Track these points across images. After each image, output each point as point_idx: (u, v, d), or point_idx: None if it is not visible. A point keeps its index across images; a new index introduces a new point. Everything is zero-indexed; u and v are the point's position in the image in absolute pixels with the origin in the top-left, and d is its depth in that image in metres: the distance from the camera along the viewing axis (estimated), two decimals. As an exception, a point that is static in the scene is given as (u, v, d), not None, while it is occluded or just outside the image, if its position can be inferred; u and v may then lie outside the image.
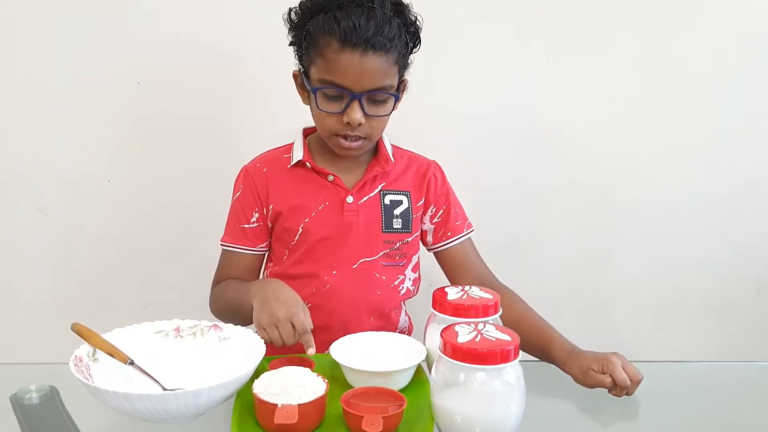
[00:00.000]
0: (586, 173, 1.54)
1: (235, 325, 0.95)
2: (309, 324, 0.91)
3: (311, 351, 0.88)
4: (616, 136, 1.53)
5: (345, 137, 1.03)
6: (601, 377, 0.88)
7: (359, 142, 1.04)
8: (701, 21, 1.48)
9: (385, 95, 1.01)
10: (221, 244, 1.15)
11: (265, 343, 0.88)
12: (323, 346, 1.09)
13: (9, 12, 1.41)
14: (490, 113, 1.51)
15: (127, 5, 1.42)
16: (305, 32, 1.00)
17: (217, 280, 1.16)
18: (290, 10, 1.03)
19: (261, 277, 1.19)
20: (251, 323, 0.96)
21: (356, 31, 0.94)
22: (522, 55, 1.48)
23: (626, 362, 0.90)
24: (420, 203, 1.15)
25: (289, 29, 1.04)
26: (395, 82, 1.02)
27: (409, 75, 1.07)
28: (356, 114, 0.99)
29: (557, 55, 1.49)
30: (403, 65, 1.03)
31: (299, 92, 1.08)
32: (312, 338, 0.89)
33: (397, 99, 1.03)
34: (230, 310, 1.07)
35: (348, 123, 1.00)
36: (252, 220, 1.13)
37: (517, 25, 1.47)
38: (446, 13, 1.44)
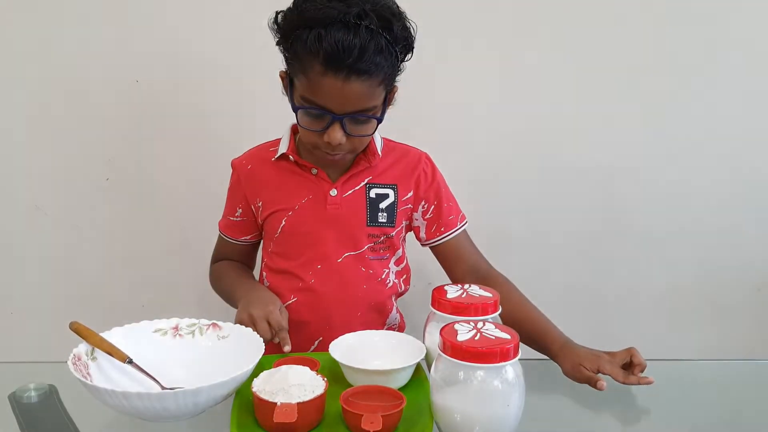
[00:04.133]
0: (586, 172, 1.54)
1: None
2: (284, 323, 0.97)
3: (287, 348, 0.92)
4: (617, 136, 1.53)
5: (326, 152, 1.02)
6: (590, 374, 0.90)
7: (341, 155, 1.03)
8: (701, 21, 1.48)
9: (367, 117, 0.99)
10: (218, 227, 1.21)
11: (264, 342, 0.88)
12: (310, 341, 1.11)
13: (8, 11, 1.41)
14: (491, 111, 1.51)
15: (127, 4, 1.42)
16: (290, 42, 0.96)
17: (215, 258, 1.24)
18: (277, 14, 1.00)
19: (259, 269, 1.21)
20: None
21: (339, 55, 0.90)
22: (523, 53, 1.48)
23: (615, 360, 0.92)
24: (407, 197, 1.13)
25: (275, 32, 1.01)
26: (380, 102, 0.99)
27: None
28: (337, 134, 0.97)
29: (558, 54, 1.48)
30: (390, 81, 0.99)
31: (286, 93, 1.05)
32: (287, 336, 0.94)
33: (380, 120, 1.01)
34: (225, 296, 1.17)
35: (329, 142, 0.98)
36: (236, 214, 1.17)
37: (518, 23, 1.47)
38: (447, 11, 1.43)
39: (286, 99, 1.06)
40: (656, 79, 1.50)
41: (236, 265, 1.20)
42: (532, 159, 1.54)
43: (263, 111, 1.44)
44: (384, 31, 0.93)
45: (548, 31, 1.47)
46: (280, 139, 1.14)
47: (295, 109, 1.00)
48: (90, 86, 1.45)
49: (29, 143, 1.48)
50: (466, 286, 0.90)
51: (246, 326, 0.93)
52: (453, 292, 0.88)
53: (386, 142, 1.15)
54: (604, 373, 0.90)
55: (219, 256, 1.23)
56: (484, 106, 1.51)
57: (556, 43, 1.48)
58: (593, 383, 0.89)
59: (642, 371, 0.91)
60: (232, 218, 1.17)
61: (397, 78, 1.02)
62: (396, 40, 0.95)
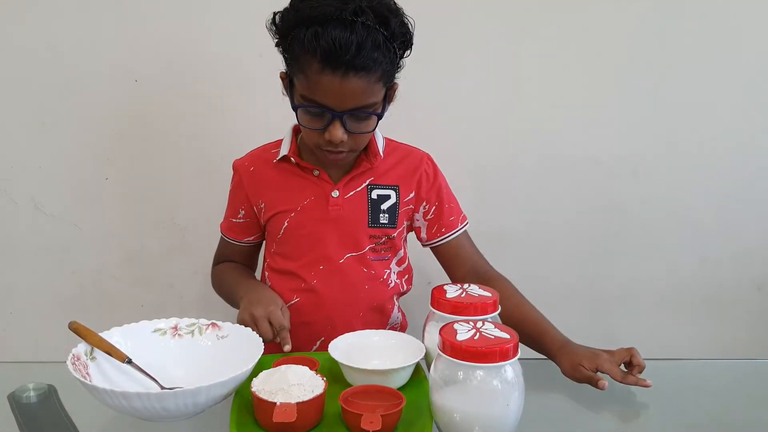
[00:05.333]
0: (586, 172, 1.54)
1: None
2: (286, 322, 0.97)
3: (287, 348, 0.93)
4: (618, 135, 1.53)
5: (329, 151, 1.02)
6: (590, 374, 0.89)
7: (344, 154, 1.03)
8: (701, 20, 1.47)
9: (367, 113, 0.99)
10: (220, 229, 1.21)
11: (265, 341, 0.89)
12: (312, 341, 1.11)
13: (8, 11, 1.41)
14: (491, 110, 1.51)
15: (126, 4, 1.42)
16: (288, 42, 0.96)
17: (217, 260, 1.24)
18: (274, 15, 1.00)
19: (262, 265, 1.21)
20: None
21: (336, 52, 0.90)
22: (523, 52, 1.48)
23: (614, 358, 0.92)
24: (408, 198, 1.13)
25: (274, 33, 1.01)
26: (380, 98, 0.99)
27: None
28: (338, 132, 0.97)
29: (558, 52, 1.48)
30: (389, 78, 0.99)
31: (286, 93, 1.05)
32: (288, 335, 0.94)
33: (380, 117, 1.01)
34: (226, 297, 1.18)
35: (330, 141, 0.99)
36: (239, 216, 1.16)
37: (518, 21, 1.47)
38: (447, 9, 1.43)
39: (286, 100, 1.06)
40: (656, 78, 1.50)
41: (237, 266, 1.21)
42: (531, 159, 1.54)
43: (263, 111, 1.44)
44: (381, 27, 0.93)
45: (549, 30, 1.47)
46: (282, 140, 1.14)
47: (295, 108, 1.00)
48: (89, 85, 1.45)
49: (29, 142, 1.48)
50: (466, 285, 0.90)
51: (247, 326, 0.93)
52: (452, 291, 0.88)
53: (388, 142, 1.15)
54: (602, 371, 0.90)
55: (221, 259, 1.23)
56: (484, 107, 1.50)
57: (557, 42, 1.48)
58: (594, 383, 0.88)
59: (641, 372, 0.90)
60: (234, 220, 1.17)
61: (398, 75, 1.02)
62: (393, 36, 0.95)
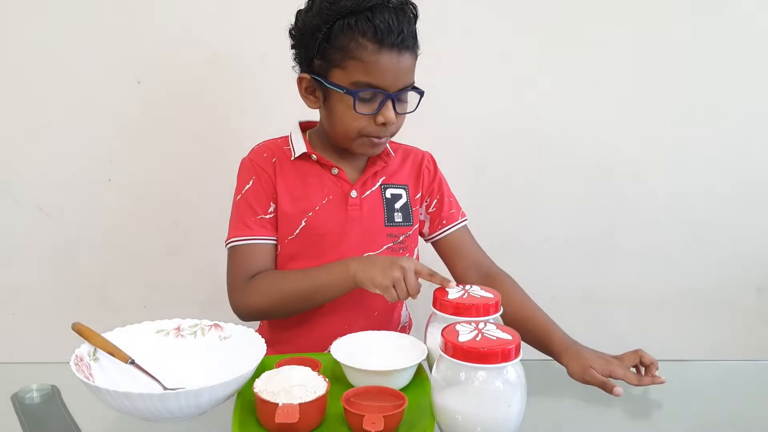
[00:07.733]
0: (587, 172, 1.55)
1: (289, 315, 1.06)
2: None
3: (453, 283, 0.90)
4: (618, 135, 1.53)
5: (375, 136, 1.03)
6: (603, 379, 0.90)
7: (384, 139, 1.06)
8: (702, 21, 1.48)
9: (413, 92, 1.03)
10: (232, 242, 1.07)
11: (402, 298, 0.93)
12: (326, 342, 1.09)
13: (9, 11, 1.41)
14: (492, 112, 1.51)
15: (128, 4, 1.42)
16: (324, 36, 0.98)
17: (242, 278, 1.06)
18: (298, 16, 1.01)
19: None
20: (315, 306, 1.05)
21: (392, 31, 0.95)
22: (524, 53, 1.48)
23: (625, 363, 0.93)
24: (417, 196, 1.15)
25: (294, 33, 1.02)
26: None
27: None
28: (391, 113, 1.00)
29: (559, 54, 1.49)
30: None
31: (304, 96, 1.06)
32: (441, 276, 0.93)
33: (422, 94, 1.04)
34: (299, 296, 1.03)
35: (383, 123, 1.01)
36: (269, 210, 1.09)
37: (518, 23, 1.47)
38: (450, 10, 1.44)
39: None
40: (657, 80, 1.50)
41: (291, 270, 1.09)
42: (532, 160, 1.54)
43: (266, 112, 1.44)
44: (410, 9, 1.00)
45: (551, 30, 1.48)
46: (287, 137, 1.13)
47: (353, 94, 0.98)
48: (92, 87, 1.46)
49: (31, 144, 1.48)
50: (468, 286, 0.91)
51: (396, 283, 0.93)
52: (454, 292, 0.88)
53: (390, 142, 1.16)
54: (616, 378, 0.90)
55: (256, 268, 1.07)
56: (484, 107, 1.51)
57: (558, 42, 1.48)
58: (608, 389, 0.89)
59: (657, 369, 0.93)
60: (265, 216, 1.08)
61: None
62: (416, 17, 1.02)
